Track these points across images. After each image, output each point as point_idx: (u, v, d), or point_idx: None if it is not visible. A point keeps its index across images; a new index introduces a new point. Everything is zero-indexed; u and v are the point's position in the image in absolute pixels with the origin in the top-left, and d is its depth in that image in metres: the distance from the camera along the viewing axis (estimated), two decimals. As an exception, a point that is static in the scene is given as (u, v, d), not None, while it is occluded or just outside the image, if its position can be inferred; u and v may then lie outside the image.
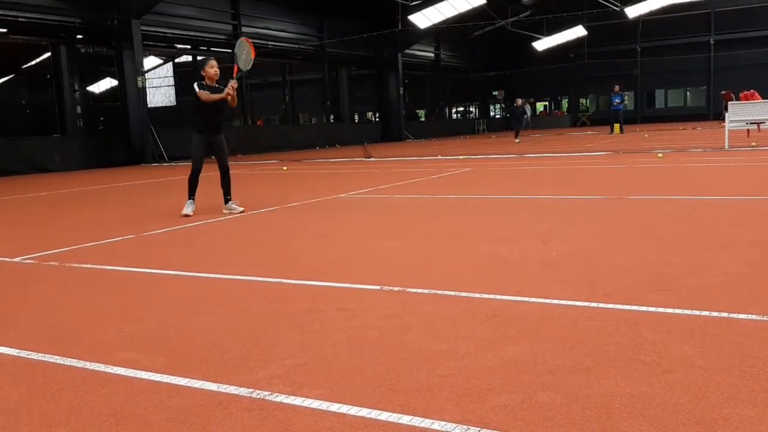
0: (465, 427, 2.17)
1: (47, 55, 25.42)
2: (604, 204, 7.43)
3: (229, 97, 7.68)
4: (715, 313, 3.23)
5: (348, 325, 3.32)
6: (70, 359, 3.01)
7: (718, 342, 2.83)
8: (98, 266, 5.13)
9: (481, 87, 50.00)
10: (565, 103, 51.16)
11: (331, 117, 34.15)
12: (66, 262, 5.34)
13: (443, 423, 2.20)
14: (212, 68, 7.75)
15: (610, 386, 2.42)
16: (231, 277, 4.55)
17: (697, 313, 3.25)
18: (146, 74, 23.55)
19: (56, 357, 3.05)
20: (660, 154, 14.34)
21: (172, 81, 43.57)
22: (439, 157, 18.29)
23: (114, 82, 23.25)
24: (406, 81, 38.72)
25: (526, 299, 3.63)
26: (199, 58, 25.10)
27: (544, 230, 5.80)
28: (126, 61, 20.84)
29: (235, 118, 32.92)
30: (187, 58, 34.55)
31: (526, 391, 2.42)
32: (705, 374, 2.49)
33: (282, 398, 2.47)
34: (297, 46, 30.40)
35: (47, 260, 5.47)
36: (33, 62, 29.91)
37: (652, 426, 2.11)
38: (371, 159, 18.73)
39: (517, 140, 25.25)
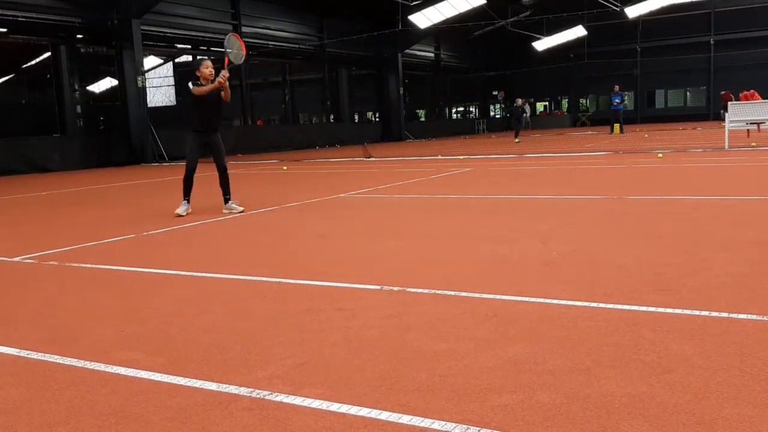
0: (465, 426, 2.17)
1: (47, 54, 25.43)
2: (604, 204, 7.43)
3: (222, 88, 7.64)
4: (715, 313, 3.23)
5: (347, 325, 3.32)
6: (70, 359, 3.01)
7: (718, 342, 2.83)
8: (98, 266, 5.13)
9: (481, 87, 50.00)
10: (565, 103, 51.17)
11: (331, 117, 34.15)
12: (66, 262, 5.34)
13: (443, 423, 2.20)
14: (207, 68, 7.74)
15: (610, 386, 2.42)
16: (231, 276, 4.55)
17: (697, 313, 3.25)
18: (146, 74, 23.56)
19: (56, 356, 3.05)
20: (660, 154, 14.34)
21: (172, 81, 43.62)
22: (439, 157, 18.29)
23: (114, 82, 23.26)
24: (406, 81, 38.73)
25: (526, 299, 3.63)
26: (198, 57, 25.12)
27: (544, 230, 5.80)
28: (126, 60, 20.84)
29: (234, 117, 32.95)
30: (187, 57, 34.59)
31: (526, 391, 2.42)
32: (705, 374, 2.49)
33: (282, 398, 2.47)
34: (297, 45, 30.40)
35: (47, 260, 5.47)
36: (33, 62, 29.93)
37: (652, 426, 2.11)
38: (371, 159, 18.73)
39: (517, 140, 25.25)
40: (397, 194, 9.46)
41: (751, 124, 16.11)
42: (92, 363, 2.94)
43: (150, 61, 35.54)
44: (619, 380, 2.47)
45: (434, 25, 32.57)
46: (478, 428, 2.16)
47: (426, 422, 2.21)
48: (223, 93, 7.73)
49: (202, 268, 4.87)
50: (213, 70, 7.75)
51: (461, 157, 17.57)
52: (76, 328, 3.51)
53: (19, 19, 19.15)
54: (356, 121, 41.60)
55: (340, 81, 35.02)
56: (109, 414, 2.40)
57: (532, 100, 50.07)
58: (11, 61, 29.61)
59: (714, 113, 39.53)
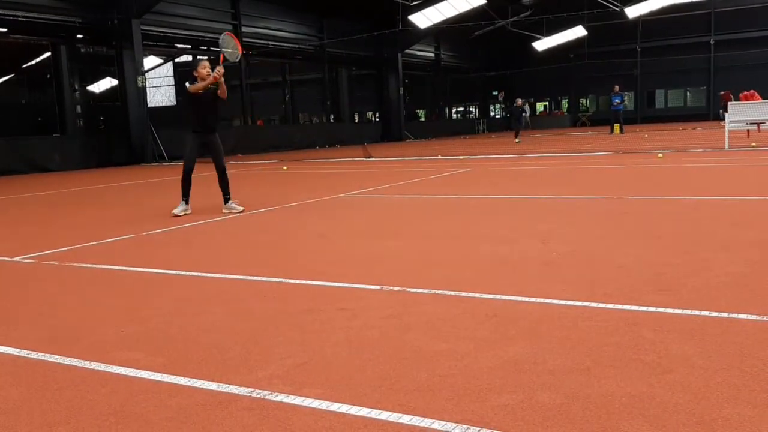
0: (465, 426, 2.17)
1: (47, 54, 25.44)
2: (604, 204, 7.43)
3: (219, 86, 7.63)
4: (715, 313, 3.23)
5: (348, 325, 3.32)
6: (70, 359, 3.01)
7: (718, 342, 2.83)
8: (98, 266, 5.14)
9: (481, 87, 50.01)
10: (565, 103, 51.17)
11: (331, 117, 34.16)
12: (66, 262, 5.34)
13: (443, 423, 2.20)
14: (204, 68, 7.75)
15: (610, 386, 2.42)
16: (231, 276, 4.55)
17: (697, 313, 3.25)
18: (146, 74, 23.56)
19: (56, 356, 3.05)
20: (660, 155, 14.34)
21: (172, 81, 43.61)
22: (439, 157, 18.29)
23: (114, 82, 23.27)
24: (406, 81, 38.73)
25: (526, 299, 3.63)
26: (199, 57, 25.14)
27: (544, 230, 5.80)
28: (126, 60, 20.84)
29: (234, 117, 32.95)
30: (187, 57, 34.58)
31: (526, 391, 2.42)
32: (705, 374, 2.49)
33: (282, 398, 2.47)
34: (297, 45, 30.40)
35: (47, 260, 5.47)
36: (33, 62, 29.94)
37: (652, 426, 2.11)
38: (371, 159, 18.73)
39: (517, 140, 25.25)
40: (397, 194, 9.46)
41: (751, 124, 16.11)
42: (92, 363, 2.94)
43: (150, 61, 35.54)
44: (619, 380, 2.47)
45: (434, 25, 32.57)
46: (478, 428, 2.16)
47: (426, 422, 2.21)
48: (219, 91, 7.72)
49: (202, 268, 4.87)
50: (210, 71, 7.75)
51: (461, 157, 17.57)
52: (76, 328, 3.51)
53: (20, 18, 19.15)
54: (356, 121, 41.61)
55: (340, 81, 35.02)
56: (109, 414, 2.40)
57: (532, 100, 50.06)
58: (11, 61, 29.63)
59: (714, 113, 39.53)
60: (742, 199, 7.29)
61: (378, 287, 4.02)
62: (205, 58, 8.33)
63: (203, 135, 7.86)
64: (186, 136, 7.98)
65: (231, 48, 8.11)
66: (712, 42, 42.52)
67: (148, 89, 22.54)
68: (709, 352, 2.72)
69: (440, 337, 3.07)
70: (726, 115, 15.59)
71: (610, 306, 3.43)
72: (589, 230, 5.81)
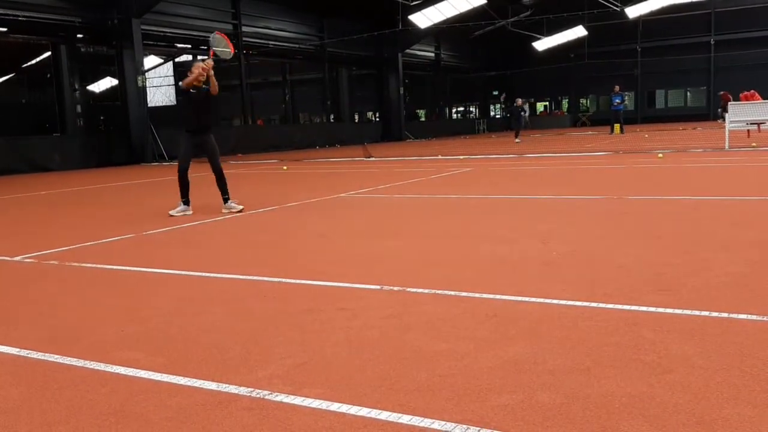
0: (465, 426, 2.17)
1: (47, 54, 25.47)
2: (604, 204, 7.43)
3: (209, 81, 7.64)
4: (715, 313, 3.23)
5: (348, 324, 3.32)
6: (70, 358, 3.01)
7: (718, 342, 2.83)
8: (98, 265, 5.14)
9: (482, 87, 50.00)
10: (565, 103, 51.16)
11: (331, 117, 34.16)
12: (66, 262, 5.34)
13: (443, 423, 2.20)
14: (197, 68, 7.77)
15: (610, 386, 2.42)
16: (231, 276, 4.55)
17: (697, 313, 3.25)
18: (146, 73, 23.56)
19: (56, 356, 3.05)
20: (660, 155, 14.34)
21: (172, 80, 43.59)
22: (439, 157, 18.29)
23: (114, 82, 23.30)
24: (407, 81, 38.73)
25: (526, 299, 3.63)
26: (199, 57, 25.14)
27: (544, 230, 5.80)
28: (126, 60, 20.84)
29: (234, 117, 32.96)
30: (187, 57, 34.56)
31: (526, 391, 2.42)
32: (705, 374, 2.49)
33: (282, 398, 2.47)
34: (297, 45, 30.40)
35: (47, 259, 5.47)
36: (33, 61, 29.95)
37: (652, 426, 2.11)
38: (371, 159, 18.73)
39: (517, 140, 25.25)
40: (397, 194, 9.46)
41: (751, 124, 16.11)
42: (92, 363, 2.94)
43: (150, 61, 35.54)
44: (619, 380, 2.47)
45: (434, 24, 32.57)
46: (478, 428, 2.16)
47: (426, 422, 2.21)
48: (210, 87, 7.71)
49: (202, 267, 4.87)
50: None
51: (461, 157, 17.56)
52: (76, 328, 3.51)
53: (20, 18, 19.16)
54: (356, 121, 41.60)
55: (341, 81, 35.03)
56: (109, 413, 2.40)
57: (532, 100, 50.07)
58: (11, 61, 29.64)
59: (713, 113, 39.53)
60: (742, 199, 7.29)
61: (378, 287, 4.02)
62: (205, 58, 8.35)
63: (197, 135, 7.86)
64: (180, 136, 7.99)
65: (222, 46, 8.18)
66: (712, 42, 42.52)
67: (148, 89, 22.54)
68: (709, 352, 2.72)
69: (440, 337, 3.07)
70: (725, 114, 15.60)
71: (610, 306, 3.43)
72: (589, 230, 5.81)
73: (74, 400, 2.54)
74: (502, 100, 50.11)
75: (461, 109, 53.71)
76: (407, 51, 35.65)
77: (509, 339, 3.00)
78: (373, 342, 3.04)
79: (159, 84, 43.17)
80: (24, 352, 3.13)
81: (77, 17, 20.58)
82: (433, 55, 40.80)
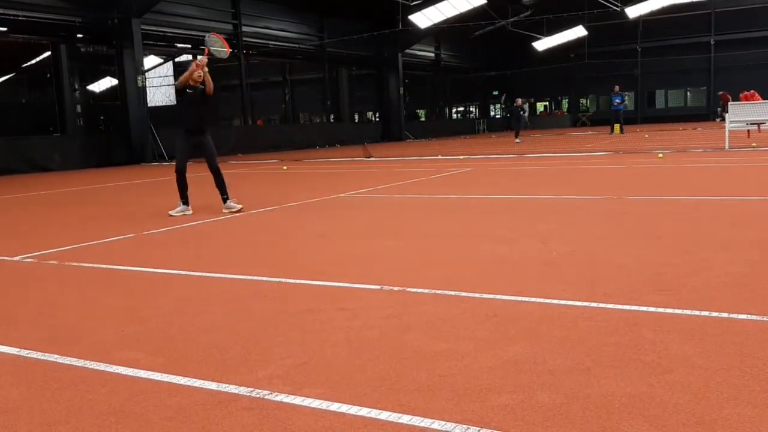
0: (465, 426, 2.17)
1: (47, 54, 25.46)
2: (604, 204, 7.43)
3: (205, 81, 7.66)
4: (715, 313, 3.23)
5: (348, 324, 3.32)
6: (70, 358, 3.01)
7: (718, 342, 2.83)
8: (98, 265, 5.14)
9: (482, 87, 50.00)
10: (565, 103, 51.17)
11: (332, 117, 34.16)
12: (66, 261, 5.34)
13: (443, 423, 2.20)
14: (198, 76, 7.81)
15: (610, 386, 2.42)
16: (231, 276, 4.55)
17: (697, 313, 3.25)
18: (146, 73, 23.55)
19: (56, 356, 3.05)
20: (660, 155, 14.34)
21: (172, 80, 43.55)
22: (439, 157, 18.29)
23: (114, 81, 23.28)
24: (407, 81, 38.73)
25: (526, 299, 3.63)
26: (199, 57, 25.09)
27: (544, 230, 5.80)
28: (126, 60, 20.84)
29: (234, 117, 32.95)
30: (187, 57, 34.55)
31: (526, 391, 2.42)
32: (705, 374, 2.49)
33: (282, 397, 2.47)
34: (297, 45, 30.40)
35: (47, 259, 5.47)
36: (33, 61, 29.94)
37: (652, 426, 2.11)
38: (371, 159, 18.73)
39: (517, 140, 25.25)
40: (397, 194, 9.46)
41: (751, 124, 16.11)
42: (92, 362, 2.94)
43: (150, 61, 35.52)
44: (619, 380, 2.47)
45: (434, 24, 32.57)
46: (478, 428, 2.16)
47: (426, 422, 2.21)
48: (206, 87, 7.73)
49: (202, 267, 4.87)
50: (201, 72, 7.82)
51: (461, 157, 17.56)
52: (76, 328, 3.51)
53: (20, 18, 19.16)
54: (356, 120, 41.60)
55: (341, 81, 35.02)
56: (109, 413, 2.40)
57: (532, 100, 50.07)
58: (11, 61, 29.63)
59: (713, 114, 39.53)
60: (742, 199, 7.29)
61: (378, 287, 4.02)
62: (191, 61, 8.42)
63: (194, 135, 7.88)
64: (177, 136, 8.01)
65: (218, 46, 8.24)
66: (712, 42, 42.52)
67: (148, 89, 22.53)
68: (709, 352, 2.72)
69: (440, 337, 3.07)
70: (722, 113, 15.60)
71: (610, 306, 3.43)
72: (589, 230, 5.81)
73: (74, 400, 2.54)
74: (502, 100, 50.12)
75: (461, 109, 53.71)
76: (407, 51, 35.65)
77: (509, 339, 3.00)
78: (373, 342, 3.04)
79: (159, 84, 43.15)
80: (24, 352, 3.13)
81: (77, 17, 20.57)
82: (433, 55, 40.80)
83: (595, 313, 3.32)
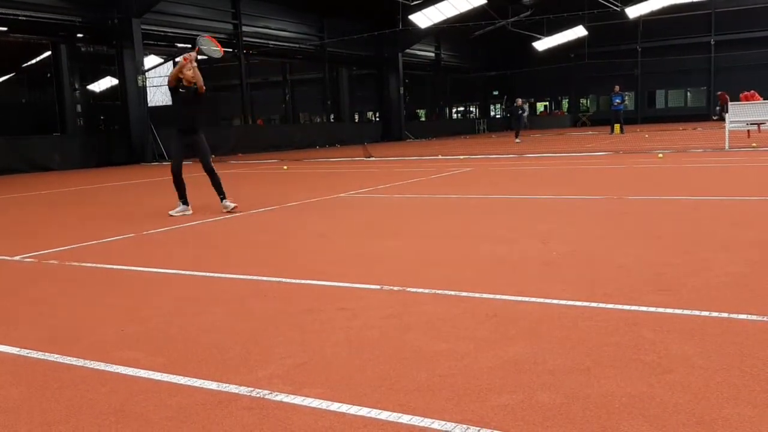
0: (465, 426, 2.17)
1: (47, 53, 25.47)
2: (604, 204, 7.43)
3: (194, 71, 7.68)
4: (715, 313, 3.23)
5: (348, 324, 3.32)
6: (70, 358, 3.01)
7: (718, 342, 2.83)
8: (98, 265, 5.14)
9: (482, 87, 50.00)
10: (565, 103, 51.17)
11: (332, 116, 34.16)
12: (66, 261, 5.34)
13: (443, 423, 2.20)
14: (189, 71, 7.83)
15: (610, 386, 2.42)
16: (231, 276, 4.55)
17: (697, 313, 3.25)
18: (147, 73, 23.56)
19: (56, 356, 3.05)
20: (660, 155, 14.34)
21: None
22: (440, 156, 18.29)
23: (114, 81, 23.28)
24: (407, 81, 38.72)
25: (526, 299, 3.63)
26: (199, 57, 25.09)
27: (544, 230, 5.80)
28: (126, 60, 20.84)
29: (235, 117, 32.95)
30: (187, 57, 34.52)
31: (526, 391, 2.42)
32: (705, 374, 2.49)
33: (282, 397, 2.47)
34: (297, 45, 30.40)
35: (47, 259, 5.47)
36: (33, 61, 29.96)
37: (652, 426, 2.11)
38: (371, 159, 18.73)
39: (517, 140, 25.25)
40: (397, 194, 9.46)
41: (751, 124, 16.11)
42: (92, 362, 2.94)
43: (150, 61, 35.55)
44: (619, 380, 2.47)
45: (435, 24, 32.57)
46: (478, 428, 2.16)
47: (426, 422, 2.21)
48: (197, 85, 7.74)
49: (202, 267, 4.87)
50: (195, 73, 7.86)
51: (461, 157, 17.57)
52: (76, 328, 3.51)
53: (20, 18, 19.16)
54: (356, 120, 41.60)
55: (341, 81, 35.02)
56: (109, 413, 2.40)
57: (532, 100, 50.07)
58: (11, 60, 29.65)
59: (712, 112, 39.53)
60: (742, 199, 7.29)
61: (378, 287, 4.02)
62: (205, 57, 8.47)
63: (187, 135, 7.91)
64: (171, 137, 8.06)
65: (210, 45, 8.32)
66: (712, 42, 42.52)
67: (148, 88, 22.55)
68: (709, 352, 2.72)
69: (440, 337, 3.07)
70: (721, 113, 15.61)
71: (610, 306, 3.43)
72: (589, 230, 5.81)
73: (74, 400, 2.54)
74: (504, 101, 50.12)
75: (461, 109, 53.72)
76: (407, 51, 35.65)
77: (509, 339, 3.00)
78: (373, 342, 3.04)
79: (159, 84, 43.17)
80: (24, 352, 3.13)
81: (77, 17, 20.57)
82: (433, 55, 40.80)
83: (595, 313, 3.32)
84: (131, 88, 21.00)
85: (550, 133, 34.38)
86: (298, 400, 2.44)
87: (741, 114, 15.49)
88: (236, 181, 12.87)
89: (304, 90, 41.84)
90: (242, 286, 4.29)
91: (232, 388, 2.57)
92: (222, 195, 8.03)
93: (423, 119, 46.06)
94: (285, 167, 16.67)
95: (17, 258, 5.59)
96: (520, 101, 27.89)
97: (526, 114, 29.96)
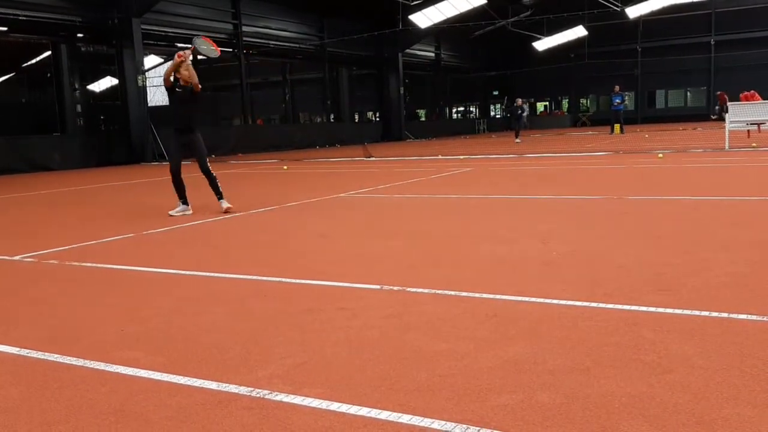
0: (465, 426, 2.17)
1: (47, 53, 25.46)
2: (604, 204, 7.43)
3: (188, 68, 7.69)
4: (715, 313, 3.23)
5: (348, 324, 3.32)
6: (70, 358, 3.01)
7: (718, 342, 2.83)
8: (98, 265, 5.14)
9: (482, 87, 50.00)
10: (565, 103, 51.16)
11: (332, 116, 34.15)
12: (66, 261, 5.34)
13: (443, 422, 2.20)
14: (186, 70, 7.84)
15: (610, 386, 2.42)
16: (231, 276, 4.55)
17: (697, 313, 3.25)
18: (147, 73, 23.55)
19: (56, 355, 3.05)
20: (660, 155, 14.34)
21: (172, 80, 43.52)
22: (440, 156, 18.29)
23: (114, 81, 23.26)
24: (407, 81, 38.71)
25: (526, 299, 3.63)
26: (199, 57, 25.10)
27: (544, 230, 5.80)
28: (126, 59, 20.84)
29: (234, 117, 32.94)
30: (187, 57, 34.50)
31: (526, 391, 2.42)
32: (705, 374, 2.49)
33: (282, 397, 2.47)
34: (297, 45, 30.40)
35: (47, 259, 5.47)
36: (33, 61, 29.94)
37: (652, 426, 2.11)
38: (371, 158, 18.73)
39: (517, 140, 25.25)
40: (397, 194, 9.46)
41: (751, 124, 16.11)
42: (92, 362, 2.94)
43: (150, 60, 35.53)
44: (619, 380, 2.47)
45: (435, 24, 32.57)
46: (478, 428, 2.16)
47: (426, 422, 2.21)
48: (191, 83, 7.75)
49: (202, 267, 4.87)
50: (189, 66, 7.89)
51: (461, 157, 17.56)
52: (76, 328, 3.51)
53: (20, 17, 19.16)
54: (356, 120, 41.57)
55: (341, 80, 35.01)
56: (109, 413, 2.40)
57: (532, 100, 50.07)
58: (11, 60, 29.63)
59: (712, 111, 39.53)
60: (742, 199, 7.29)
61: (378, 287, 4.02)
62: (205, 57, 8.52)
63: (183, 134, 7.92)
64: (169, 137, 8.07)
65: (206, 45, 8.35)
66: (712, 42, 42.52)
67: (148, 88, 22.54)
68: (709, 352, 2.72)
69: (440, 337, 3.07)
70: (720, 112, 15.61)
71: (610, 306, 3.43)
72: (589, 230, 5.80)
73: (74, 400, 2.54)
74: (504, 101, 50.13)
75: (461, 109, 53.70)
76: (407, 51, 35.64)
77: (509, 339, 3.00)
78: (373, 342, 3.04)
79: (159, 84, 43.12)
80: (24, 352, 3.13)
81: (77, 16, 20.57)
82: (433, 55, 40.80)
83: (595, 313, 3.32)
84: (131, 88, 21.00)
85: (550, 133, 34.38)
86: (298, 400, 2.44)
87: (741, 114, 15.49)
88: (237, 180, 12.88)
89: (304, 90, 41.84)
90: (242, 286, 4.29)
91: (232, 388, 2.57)
92: (219, 195, 8.04)
93: (423, 119, 46.05)
94: (285, 167, 16.67)
95: (17, 258, 5.59)
96: (520, 101, 27.89)
97: (526, 114, 29.97)
